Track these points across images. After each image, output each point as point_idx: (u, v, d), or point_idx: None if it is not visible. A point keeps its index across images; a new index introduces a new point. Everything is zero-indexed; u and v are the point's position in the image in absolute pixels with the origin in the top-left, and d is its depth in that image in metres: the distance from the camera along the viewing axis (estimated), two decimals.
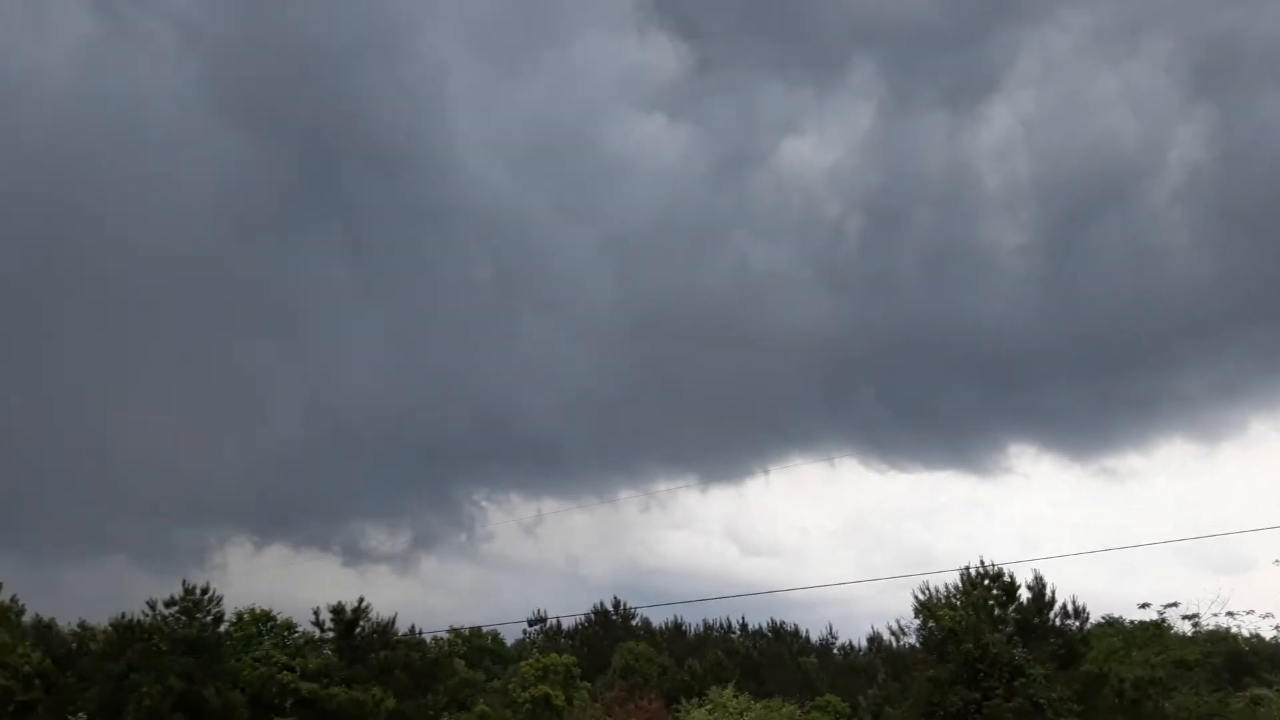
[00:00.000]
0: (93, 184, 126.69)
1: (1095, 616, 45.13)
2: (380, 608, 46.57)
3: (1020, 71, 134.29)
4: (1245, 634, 44.28)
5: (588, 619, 76.49)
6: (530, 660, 53.95)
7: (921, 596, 42.67)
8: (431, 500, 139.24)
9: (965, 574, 41.98)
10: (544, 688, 49.92)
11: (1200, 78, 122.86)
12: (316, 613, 44.85)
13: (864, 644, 74.00)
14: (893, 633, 48.78)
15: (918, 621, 42.36)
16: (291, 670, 44.88)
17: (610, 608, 78.58)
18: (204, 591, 44.49)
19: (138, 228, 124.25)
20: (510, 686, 52.36)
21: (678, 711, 38.56)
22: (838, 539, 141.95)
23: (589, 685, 52.23)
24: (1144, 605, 45.43)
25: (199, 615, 43.84)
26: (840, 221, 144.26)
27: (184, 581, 45.56)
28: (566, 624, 77.87)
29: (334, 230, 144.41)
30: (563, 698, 49.48)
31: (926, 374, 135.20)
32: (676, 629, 76.85)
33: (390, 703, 41.13)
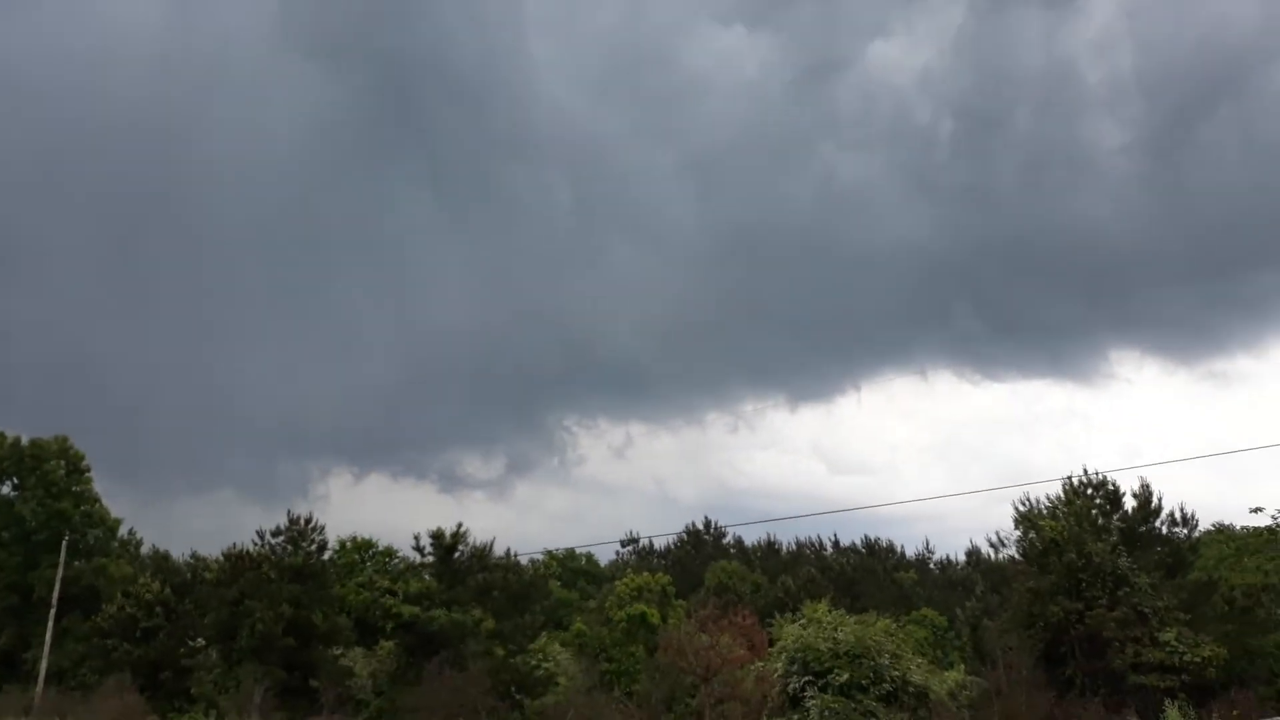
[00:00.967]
0: (187, 129, 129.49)
1: (1205, 524, 43.54)
2: (476, 533, 47.53)
3: None
4: None
5: (679, 539, 77.26)
6: (625, 580, 54.67)
7: (1022, 508, 41.69)
8: (523, 427, 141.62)
9: (1068, 483, 40.82)
10: (640, 606, 50.61)
11: None
12: (417, 538, 45.86)
13: (961, 558, 73.33)
14: (992, 545, 47.91)
15: (1017, 533, 41.45)
16: (393, 594, 46.23)
17: (700, 528, 79.18)
18: (307, 521, 45.82)
19: (231, 170, 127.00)
20: (606, 605, 53.23)
21: (771, 626, 38.61)
22: (932, 453, 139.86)
23: (684, 603, 52.78)
24: (1256, 510, 43.66)
25: (303, 544, 45.24)
26: (932, 127, 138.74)
27: (289, 512, 47.06)
28: (658, 544, 78.92)
29: (418, 164, 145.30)
30: (658, 615, 50.12)
31: (1024, 282, 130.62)
32: (769, 547, 77.09)
33: (490, 623, 42.04)
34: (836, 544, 77.15)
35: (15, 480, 53.95)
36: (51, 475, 53.28)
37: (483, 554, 45.91)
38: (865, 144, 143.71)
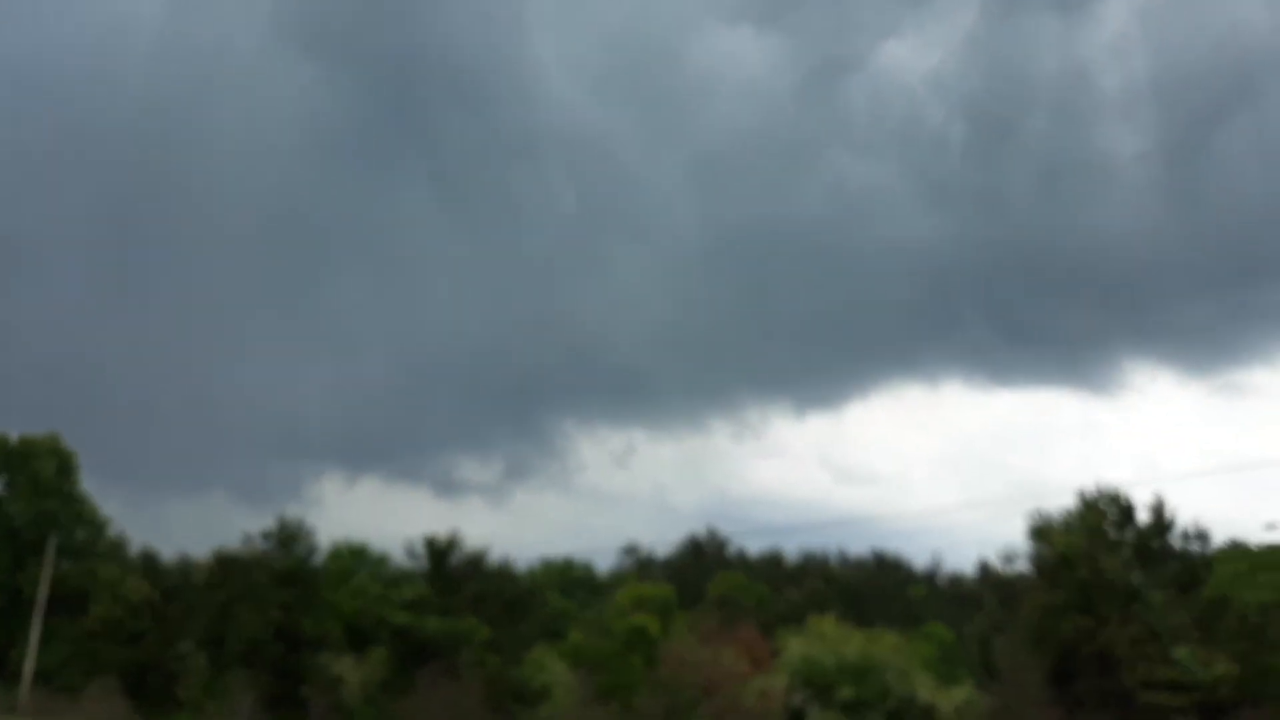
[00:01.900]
0: (183, 127, 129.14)
1: (1218, 540, 42.53)
2: (472, 539, 46.80)
3: None
4: None
5: (680, 549, 76.10)
6: (625, 590, 53.62)
7: (1034, 521, 40.73)
8: (521, 432, 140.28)
9: (1082, 496, 39.83)
10: (641, 617, 49.52)
11: None
12: (409, 545, 45.06)
13: (970, 572, 72.03)
14: (1004, 559, 46.91)
15: (1029, 547, 40.52)
16: (387, 601, 45.31)
17: (702, 538, 77.95)
18: (298, 525, 45.06)
19: (227, 170, 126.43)
20: (605, 616, 52.16)
21: (775, 641, 37.69)
22: (942, 464, 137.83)
23: (686, 614, 51.69)
24: (1270, 526, 42.61)
25: (293, 547, 44.40)
26: (943, 131, 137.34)
27: (279, 515, 46.28)
28: (658, 554, 77.64)
29: (417, 163, 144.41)
30: (659, 627, 49.03)
31: (1036, 291, 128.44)
32: (774, 558, 75.83)
33: (484, 632, 41.16)
34: (843, 556, 75.97)
35: (5, 478, 53.10)
36: (41, 474, 52.39)
37: (477, 562, 45.12)
38: (874, 147, 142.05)
